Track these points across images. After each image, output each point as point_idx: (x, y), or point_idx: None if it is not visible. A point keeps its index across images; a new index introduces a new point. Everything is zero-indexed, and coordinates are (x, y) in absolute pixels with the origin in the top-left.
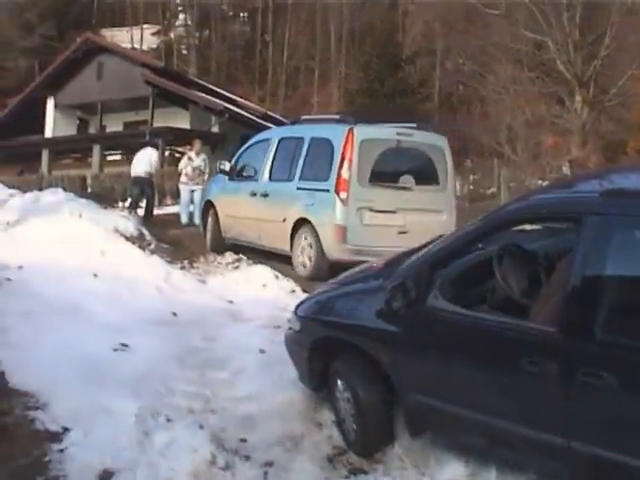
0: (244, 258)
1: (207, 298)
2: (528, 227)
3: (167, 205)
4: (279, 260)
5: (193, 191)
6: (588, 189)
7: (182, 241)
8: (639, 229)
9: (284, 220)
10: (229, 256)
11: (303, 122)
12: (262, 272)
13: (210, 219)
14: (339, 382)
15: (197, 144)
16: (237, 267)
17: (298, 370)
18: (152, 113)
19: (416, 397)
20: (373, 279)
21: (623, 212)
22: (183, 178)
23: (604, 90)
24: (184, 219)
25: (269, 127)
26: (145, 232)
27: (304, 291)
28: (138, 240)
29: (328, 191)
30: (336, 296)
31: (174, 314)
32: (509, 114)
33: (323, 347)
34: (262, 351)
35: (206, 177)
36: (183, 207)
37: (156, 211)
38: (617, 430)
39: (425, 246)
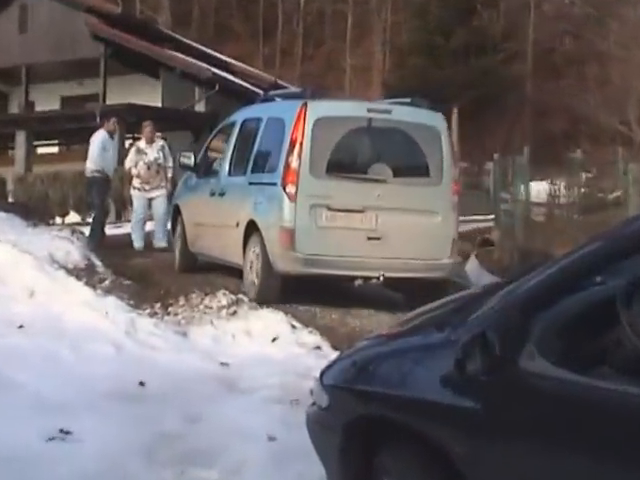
0: (245, 299)
1: (190, 359)
2: None
3: (129, 221)
4: (300, 300)
5: (152, 199)
6: None
7: (152, 274)
8: None
9: (237, 225)
10: (222, 296)
11: (271, 99)
12: (271, 319)
13: (178, 229)
14: None
15: (147, 128)
16: (234, 312)
17: (326, 467)
18: (104, 83)
19: None
20: (437, 330)
21: None
22: (134, 181)
23: None
24: (138, 242)
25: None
26: (96, 261)
27: (334, 348)
28: (86, 274)
29: (275, 184)
30: (382, 355)
31: (141, 384)
32: None
33: (363, 432)
34: (271, 438)
35: (169, 174)
36: (136, 224)
37: (112, 230)
38: None
39: (513, 280)
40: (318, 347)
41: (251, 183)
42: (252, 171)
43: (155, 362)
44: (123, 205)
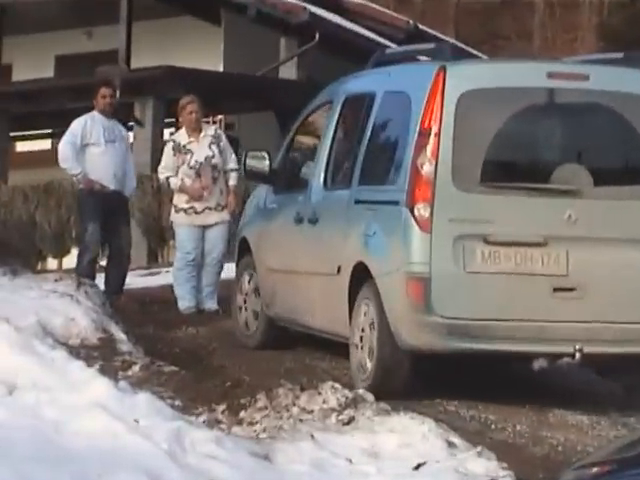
0: (368, 398)
1: None
2: None
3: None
4: (455, 394)
5: (207, 228)
6: None
7: (211, 354)
8: None
9: (338, 271)
10: (330, 392)
11: (388, 61)
12: (414, 432)
13: (244, 279)
14: None
15: (189, 107)
16: (351, 420)
17: None
18: (128, 34)
19: None
20: None
21: None
22: (178, 199)
23: None
24: (186, 301)
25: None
26: (118, 333)
27: None
28: (100, 354)
29: (397, 203)
30: None
31: None
32: None
33: None
34: None
35: (233, 183)
36: (182, 270)
37: (142, 279)
38: None
39: None
40: None
41: (359, 201)
42: (360, 182)
43: None
44: (161, 239)
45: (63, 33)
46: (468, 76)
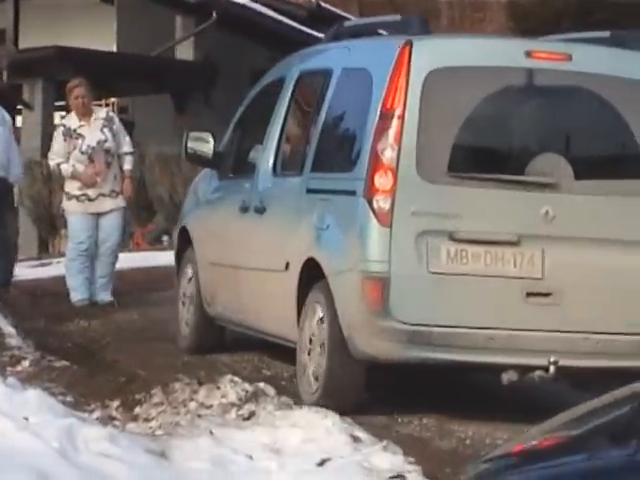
0: (269, 391)
1: None
2: None
3: (64, 254)
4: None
5: (100, 216)
6: None
7: (104, 347)
8: None
9: (286, 267)
10: (230, 387)
11: (347, 35)
12: (317, 427)
13: (186, 274)
14: None
15: (76, 91)
16: (252, 414)
17: None
18: (16, 11)
19: None
20: (612, 443)
21: None
22: (70, 187)
23: None
24: (78, 293)
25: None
26: (6, 327)
27: (427, 476)
28: None
29: (354, 194)
30: None
31: None
32: None
33: None
34: None
35: (128, 167)
36: (75, 260)
37: (31, 270)
38: None
39: None
40: (399, 475)
41: (311, 190)
42: (313, 169)
43: None
44: (52, 228)
45: None
46: (437, 52)
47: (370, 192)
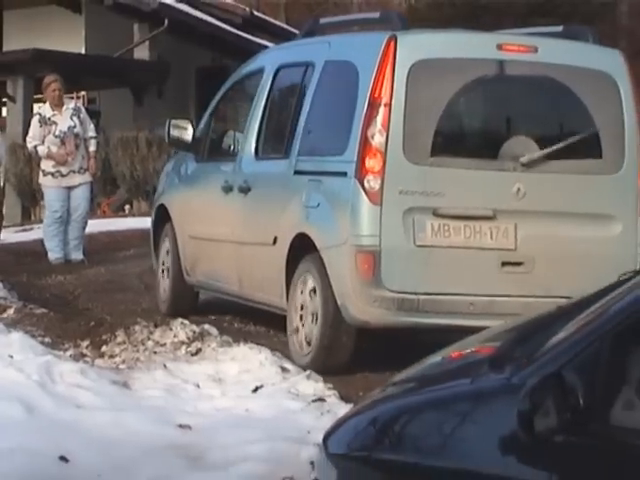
0: (212, 332)
1: (133, 421)
2: None
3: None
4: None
5: (71, 189)
6: None
7: (76, 298)
8: None
9: (275, 241)
10: (180, 328)
11: (322, 30)
12: (253, 360)
13: (164, 246)
14: None
15: (52, 85)
16: (199, 351)
17: None
18: (0, 20)
19: None
20: (492, 369)
21: None
22: (45, 165)
23: None
24: (55, 252)
25: (258, 45)
26: None
27: (344, 399)
28: None
29: (345, 175)
30: (413, 408)
31: (63, 459)
32: None
33: None
34: None
35: (92, 149)
36: (51, 225)
37: (16, 235)
38: None
39: (599, 297)
40: (320, 399)
41: (298, 172)
42: (300, 152)
43: (83, 427)
44: (33, 199)
45: None
46: (419, 46)
47: (361, 173)
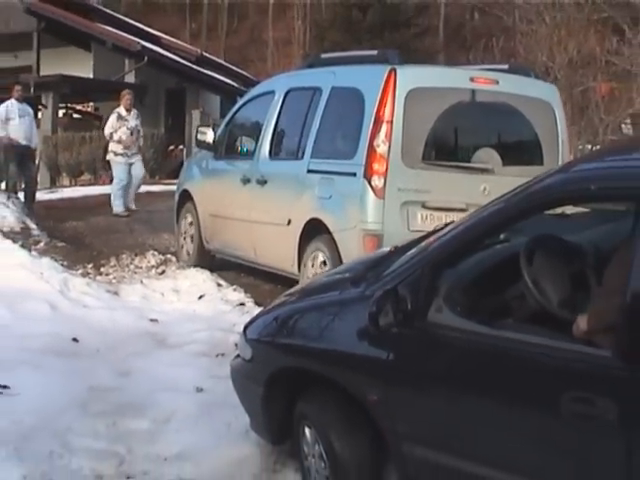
0: (173, 260)
1: (121, 316)
2: (570, 210)
3: (64, 186)
4: (224, 261)
5: (132, 164)
6: None
7: (84, 237)
8: None
9: (289, 222)
10: (152, 257)
11: (323, 62)
12: (198, 279)
13: (186, 220)
14: (307, 431)
15: (127, 96)
16: (163, 272)
17: (250, 415)
18: (38, 56)
19: (416, 450)
20: (352, 285)
21: None
22: (115, 146)
23: None
24: (118, 207)
25: (206, 75)
26: (31, 225)
27: (257, 305)
28: (21, 236)
29: (354, 175)
30: (302, 310)
31: (74, 340)
32: (545, 51)
33: (284, 382)
34: (199, 389)
35: (141, 141)
36: (118, 189)
37: (46, 195)
38: None
39: (425, 238)
40: (242, 304)
41: (311, 171)
42: (312, 155)
43: (88, 319)
44: (57, 172)
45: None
46: (413, 77)
47: (369, 174)
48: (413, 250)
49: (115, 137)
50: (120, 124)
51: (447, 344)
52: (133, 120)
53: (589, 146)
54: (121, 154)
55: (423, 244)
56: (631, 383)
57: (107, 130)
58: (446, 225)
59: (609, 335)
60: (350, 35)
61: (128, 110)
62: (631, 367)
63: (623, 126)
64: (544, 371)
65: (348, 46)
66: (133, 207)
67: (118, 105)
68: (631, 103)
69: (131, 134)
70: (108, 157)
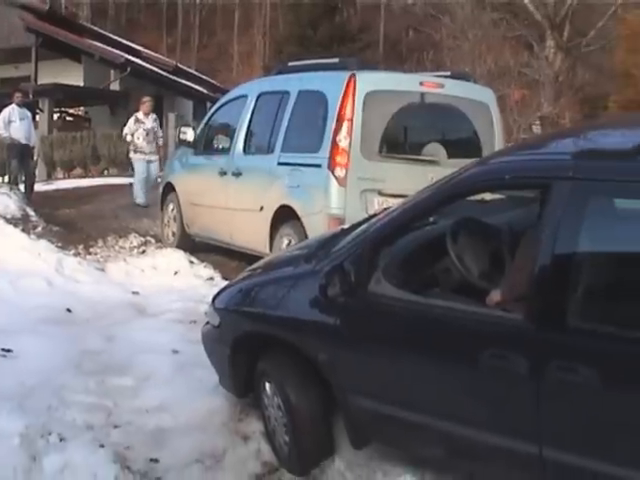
0: (152, 241)
1: (107, 289)
2: (488, 196)
3: (59, 179)
4: (197, 243)
5: (150, 162)
6: (560, 150)
7: (76, 222)
8: (619, 196)
9: (261, 209)
10: (134, 239)
11: (290, 70)
12: (173, 257)
13: (169, 208)
14: (267, 386)
15: (147, 102)
16: (143, 251)
17: (219, 373)
18: (36, 67)
19: (359, 401)
20: (305, 262)
21: (601, 176)
22: (134, 145)
23: (581, 33)
24: (141, 198)
25: (180, 83)
26: (30, 212)
27: (224, 279)
28: (21, 222)
29: (319, 166)
30: (262, 283)
31: (68, 310)
32: (468, 63)
33: (247, 344)
34: (175, 351)
35: (160, 143)
36: (140, 184)
37: (45, 186)
38: (598, 434)
39: (366, 221)
40: (211, 278)
41: (281, 163)
42: (282, 150)
43: (79, 293)
44: (53, 167)
45: (3, 67)
46: (370, 81)
47: (332, 165)
48: (357, 231)
49: (129, 138)
50: (137, 126)
51: (385, 311)
52: (150, 123)
53: (505, 143)
54: (140, 152)
55: (365, 226)
56: (538, 342)
57: (126, 132)
58: (385, 210)
59: (520, 302)
60: (304, 49)
61: (146, 114)
62: (537, 328)
63: (533, 127)
64: (467, 333)
65: (302, 58)
66: (141, 202)
67: (137, 110)
68: (540, 107)
69: (147, 135)
70: (130, 155)
